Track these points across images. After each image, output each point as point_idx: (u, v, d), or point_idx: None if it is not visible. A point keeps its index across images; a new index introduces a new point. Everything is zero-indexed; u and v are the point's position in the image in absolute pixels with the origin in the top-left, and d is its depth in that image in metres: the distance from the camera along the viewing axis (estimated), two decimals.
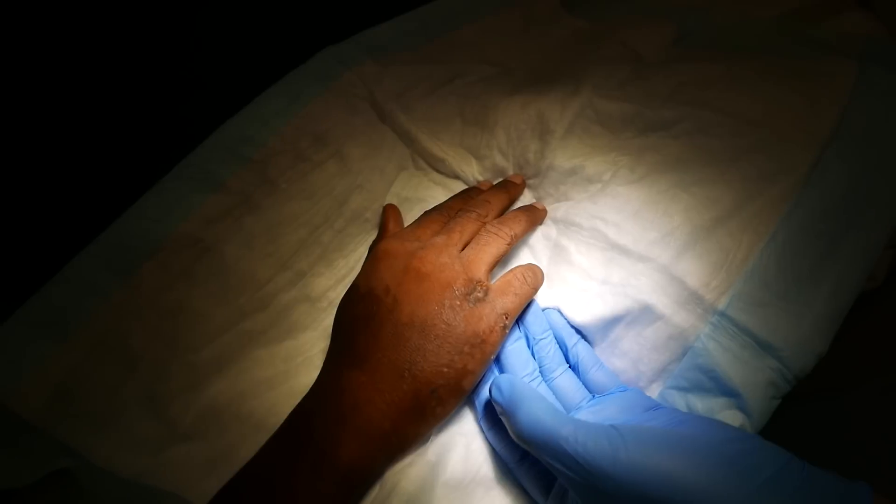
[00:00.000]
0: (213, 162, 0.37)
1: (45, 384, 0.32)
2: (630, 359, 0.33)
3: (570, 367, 0.34)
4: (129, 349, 0.34)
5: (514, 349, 0.33)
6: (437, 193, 0.41)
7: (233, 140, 0.37)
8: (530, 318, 0.34)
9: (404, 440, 0.30)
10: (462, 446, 0.32)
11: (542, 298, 0.36)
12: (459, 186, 0.42)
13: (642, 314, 0.33)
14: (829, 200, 0.34)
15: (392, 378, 0.30)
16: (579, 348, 0.33)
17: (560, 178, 0.39)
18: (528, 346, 0.34)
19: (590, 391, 0.32)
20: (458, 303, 0.31)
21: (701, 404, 0.32)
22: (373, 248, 0.36)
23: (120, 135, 0.38)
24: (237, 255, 0.36)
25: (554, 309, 0.35)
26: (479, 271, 0.32)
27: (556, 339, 0.34)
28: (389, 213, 0.39)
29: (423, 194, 0.41)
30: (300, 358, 0.36)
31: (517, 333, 0.34)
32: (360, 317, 0.32)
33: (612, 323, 0.34)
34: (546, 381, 0.33)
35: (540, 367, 0.33)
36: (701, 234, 0.34)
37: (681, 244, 0.34)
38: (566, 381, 0.33)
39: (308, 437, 0.29)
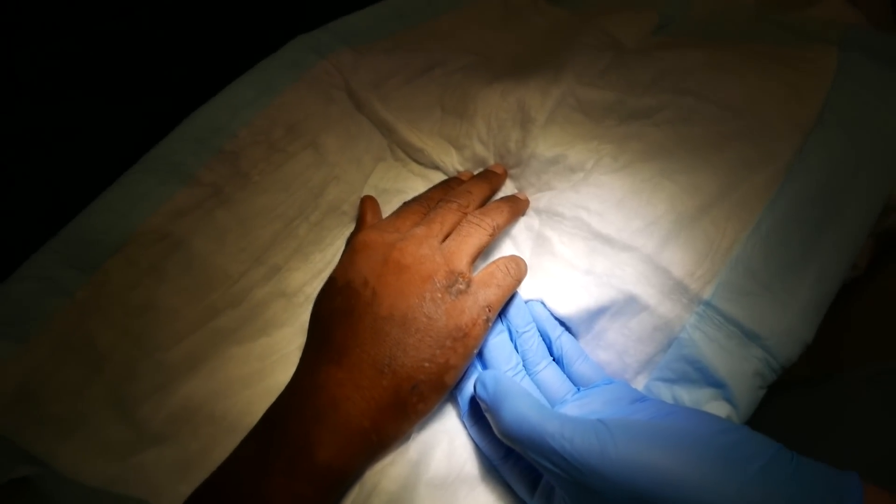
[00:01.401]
0: (181, 153, 0.35)
1: (4, 387, 0.30)
2: (615, 350, 0.33)
3: (554, 360, 0.33)
4: (95, 349, 0.32)
5: (497, 343, 0.32)
6: (417, 184, 0.40)
7: (203, 131, 0.36)
8: (513, 310, 0.33)
9: (385, 438, 0.29)
10: (445, 443, 0.31)
11: (526, 290, 0.35)
12: (439, 177, 0.41)
13: (627, 305, 0.32)
14: (812, 188, 0.34)
15: (371, 374, 0.28)
16: (563, 340, 0.33)
17: (542, 168, 0.39)
18: (511, 340, 0.33)
19: (575, 384, 0.32)
20: (440, 295, 0.30)
21: (687, 396, 0.31)
22: (351, 240, 0.35)
23: (83, 125, 0.36)
24: (208, 249, 0.35)
25: (537, 301, 0.34)
26: (461, 263, 0.31)
27: (539, 331, 0.34)
28: (367, 205, 0.38)
29: (402, 185, 0.40)
30: (276, 355, 0.35)
31: (500, 327, 0.34)
32: (338, 311, 0.31)
33: (596, 314, 0.33)
34: (530, 375, 0.32)
35: (523, 361, 0.32)
36: (685, 223, 0.33)
37: (665, 233, 0.33)
38: (550, 374, 0.32)
39: (283, 436, 0.27)
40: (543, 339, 0.34)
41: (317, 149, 0.38)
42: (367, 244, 0.32)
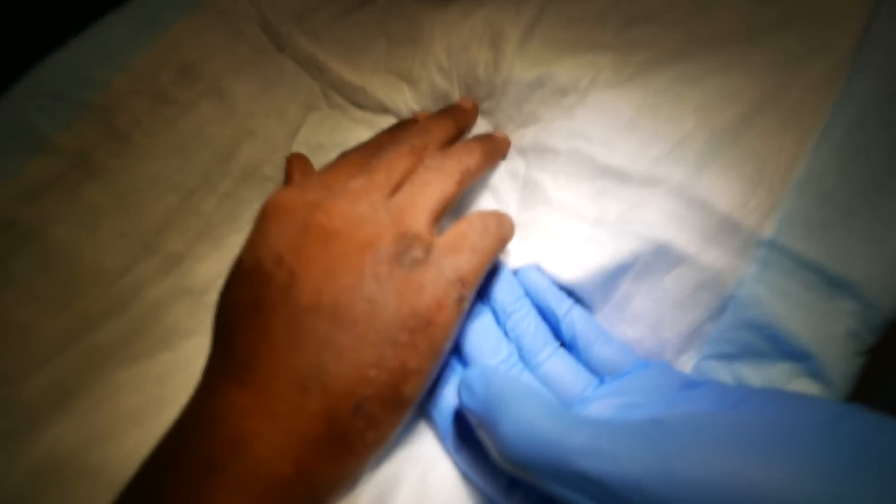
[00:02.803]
0: (31, 112, 0.26)
1: None
2: (646, 324, 0.24)
3: (561, 344, 0.24)
4: None
5: (479, 328, 0.23)
6: (361, 134, 0.31)
7: (61, 81, 0.27)
8: (498, 283, 0.24)
9: (319, 487, 0.19)
10: (415, 479, 0.22)
11: (515, 257, 0.26)
12: (389, 122, 0.31)
13: (656, 258, 0.23)
14: (892, 76, 0.24)
15: (291, 394, 0.19)
16: (574, 317, 0.23)
17: (523, 95, 0.29)
18: (499, 324, 0.24)
19: (595, 374, 0.23)
20: (386, 269, 0.20)
21: (756, 375, 0.22)
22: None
23: None
24: (74, 238, 0.26)
25: (531, 267, 0.25)
26: (417, 222, 0.22)
27: (538, 308, 0.24)
28: (294, 164, 0.29)
29: (343, 138, 0.31)
30: (181, 375, 0.26)
31: (482, 308, 0.24)
32: (242, 305, 0.21)
33: (614, 276, 0.24)
34: (530, 369, 0.23)
35: (519, 351, 0.23)
36: (724, 139, 0.24)
37: (697, 155, 0.24)
38: (558, 364, 0.23)
39: (161, 500, 0.18)
40: (545, 319, 0.24)
41: (222, 97, 0.29)
42: (282, 207, 0.23)
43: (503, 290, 0.24)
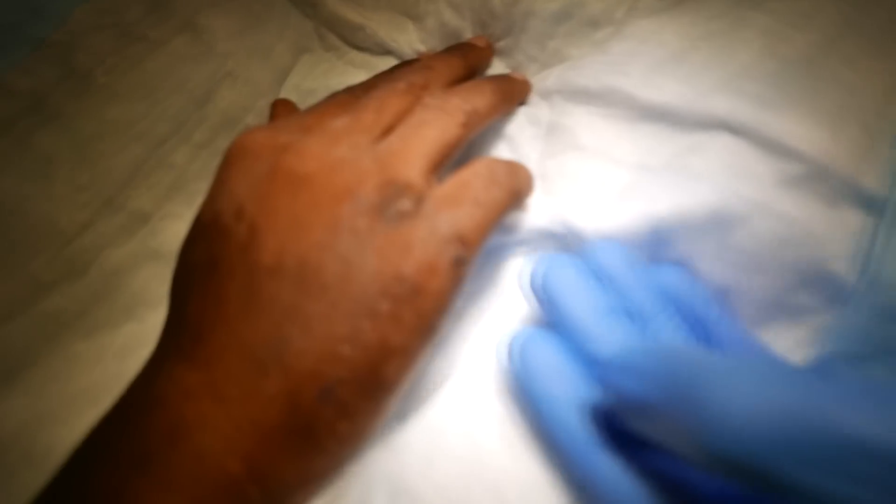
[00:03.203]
0: None
1: None
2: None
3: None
4: None
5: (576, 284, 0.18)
6: (360, 79, 0.27)
7: (12, 13, 0.23)
8: (627, 275, 0.18)
9: (275, 489, 0.16)
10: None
11: (537, 213, 0.21)
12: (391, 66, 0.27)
13: (721, 210, 0.18)
14: None
15: (245, 374, 0.16)
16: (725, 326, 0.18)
17: (546, 30, 0.25)
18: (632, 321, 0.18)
19: None
20: (366, 221, 0.17)
21: None
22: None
23: None
24: (24, 192, 0.23)
25: (667, 264, 0.19)
26: (409, 168, 0.18)
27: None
28: (279, 112, 0.25)
29: (338, 82, 0.27)
30: (146, 349, 0.22)
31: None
32: (197, 265, 0.18)
33: (667, 230, 0.19)
34: None
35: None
36: (797, 69, 0.20)
37: (764, 87, 0.19)
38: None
39: (86, 496, 0.15)
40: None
41: (197, 33, 0.25)
42: (247, 149, 0.19)
43: (636, 284, 0.18)
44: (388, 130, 0.20)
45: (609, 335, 0.17)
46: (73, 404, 0.21)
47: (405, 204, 0.17)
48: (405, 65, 0.25)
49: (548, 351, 0.18)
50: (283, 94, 0.27)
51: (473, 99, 0.21)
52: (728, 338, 0.18)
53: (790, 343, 0.19)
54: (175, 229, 0.24)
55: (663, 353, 0.14)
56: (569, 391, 0.17)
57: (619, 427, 0.16)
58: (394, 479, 0.17)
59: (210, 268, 0.17)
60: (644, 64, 0.22)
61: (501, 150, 0.24)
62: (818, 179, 0.18)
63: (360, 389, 0.16)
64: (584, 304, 0.18)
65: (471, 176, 0.19)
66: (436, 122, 0.19)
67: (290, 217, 0.17)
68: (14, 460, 0.20)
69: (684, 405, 0.13)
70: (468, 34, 0.27)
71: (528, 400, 0.18)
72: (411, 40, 0.27)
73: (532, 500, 0.17)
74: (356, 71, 0.27)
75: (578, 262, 0.19)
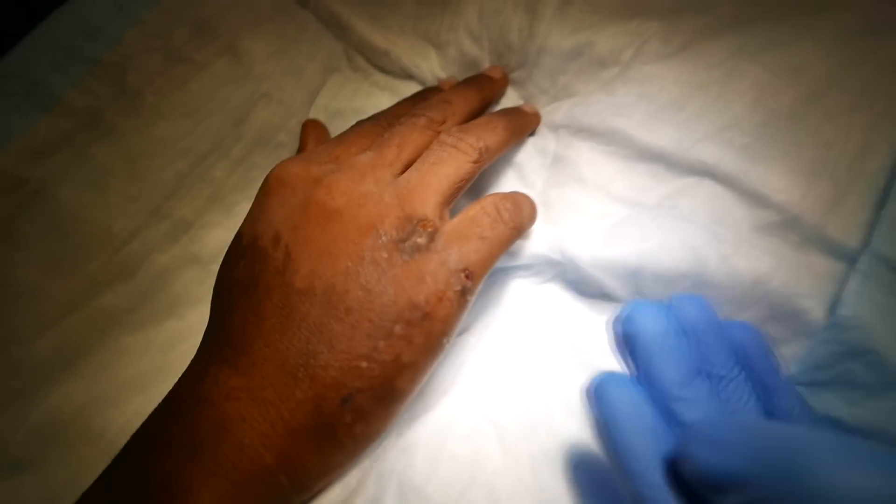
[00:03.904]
0: (41, 67, 0.25)
1: None
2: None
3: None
4: None
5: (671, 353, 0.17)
6: (382, 102, 0.29)
7: (70, 36, 0.26)
8: (704, 333, 0.18)
9: (302, 478, 0.19)
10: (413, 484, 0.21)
11: (538, 240, 0.24)
12: (413, 90, 0.29)
13: (703, 251, 0.21)
14: None
15: (279, 380, 0.18)
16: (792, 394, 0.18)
17: (558, 65, 0.27)
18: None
19: None
20: (386, 255, 0.19)
21: (849, 410, 0.19)
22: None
23: None
24: (82, 200, 0.25)
25: (737, 322, 0.19)
26: (425, 204, 0.20)
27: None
28: (309, 132, 0.27)
29: (363, 104, 0.29)
30: (185, 344, 0.25)
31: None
32: (238, 282, 0.20)
33: (655, 265, 0.21)
34: None
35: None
36: (783, 122, 0.22)
37: (751, 139, 0.22)
38: None
39: (142, 481, 0.18)
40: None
41: (237, 56, 0.28)
42: (284, 181, 0.21)
43: (717, 344, 0.18)
44: (408, 164, 0.22)
45: (694, 397, 0.16)
46: (123, 390, 0.24)
47: (421, 238, 0.19)
48: (427, 94, 0.27)
49: (632, 400, 0.17)
50: (313, 114, 0.29)
51: (486, 136, 0.23)
52: (787, 403, 0.18)
53: None
54: (213, 236, 0.27)
55: (757, 427, 0.14)
56: (653, 447, 0.16)
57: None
58: (403, 478, 0.20)
59: (250, 286, 0.20)
60: (645, 108, 0.24)
61: (509, 177, 0.27)
62: (790, 227, 0.20)
63: (376, 398, 0.19)
64: (671, 361, 0.17)
65: (479, 213, 0.21)
66: (450, 159, 0.22)
67: (321, 246, 0.19)
68: (74, 437, 0.23)
69: (786, 482, 0.12)
70: (486, 64, 0.29)
71: (608, 446, 0.17)
72: (432, 67, 0.29)
73: (521, 500, 0.19)
74: (380, 93, 0.29)
75: (663, 314, 0.18)
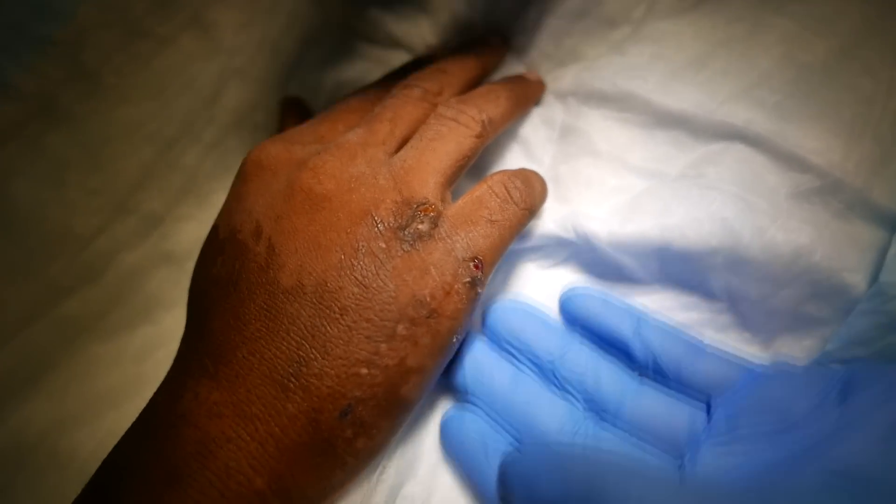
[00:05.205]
0: None
1: None
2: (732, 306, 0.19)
3: (640, 374, 0.19)
4: None
5: (520, 395, 0.19)
6: (369, 74, 0.27)
7: (16, 12, 0.23)
8: (528, 330, 0.20)
9: (298, 502, 0.16)
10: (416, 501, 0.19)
11: (549, 220, 0.21)
12: (402, 60, 0.27)
13: (735, 224, 0.19)
14: None
15: (268, 393, 0.16)
16: (647, 333, 0.18)
17: (563, 27, 0.24)
18: (548, 381, 0.19)
19: (697, 398, 0.18)
20: (384, 245, 0.17)
21: None
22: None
23: None
24: (39, 196, 0.23)
25: (570, 289, 0.20)
26: (424, 186, 0.18)
27: (594, 338, 0.20)
28: (289, 111, 0.25)
29: (347, 77, 0.27)
30: (162, 351, 0.23)
31: (518, 370, 0.19)
32: (217, 281, 0.18)
33: (678, 244, 0.19)
34: (609, 421, 0.18)
35: (587, 404, 0.18)
36: (816, 77, 0.19)
37: (782, 97, 0.19)
38: (644, 403, 0.18)
39: None
40: (609, 347, 0.19)
41: (205, 29, 0.25)
42: (263, 165, 0.19)
43: (536, 335, 0.19)
44: (403, 141, 0.20)
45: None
46: (94, 407, 0.22)
47: (422, 225, 0.17)
48: (419, 66, 0.25)
49: (469, 433, 0.19)
50: (291, 91, 0.27)
51: (488, 108, 0.21)
52: (655, 344, 0.18)
53: (797, 352, 0.19)
54: (186, 231, 0.25)
55: (562, 454, 0.14)
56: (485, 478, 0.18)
57: None
58: (406, 492, 0.18)
59: (229, 285, 0.17)
60: (662, 69, 0.21)
61: (514, 152, 0.24)
62: (831, 193, 0.18)
63: (379, 408, 0.16)
64: (492, 385, 0.19)
65: (486, 194, 0.19)
66: (450, 134, 0.19)
67: (309, 238, 0.17)
68: (41, 463, 0.21)
69: None
70: (481, 28, 0.26)
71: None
72: (423, 34, 0.27)
73: None
74: (366, 65, 0.27)
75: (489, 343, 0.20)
